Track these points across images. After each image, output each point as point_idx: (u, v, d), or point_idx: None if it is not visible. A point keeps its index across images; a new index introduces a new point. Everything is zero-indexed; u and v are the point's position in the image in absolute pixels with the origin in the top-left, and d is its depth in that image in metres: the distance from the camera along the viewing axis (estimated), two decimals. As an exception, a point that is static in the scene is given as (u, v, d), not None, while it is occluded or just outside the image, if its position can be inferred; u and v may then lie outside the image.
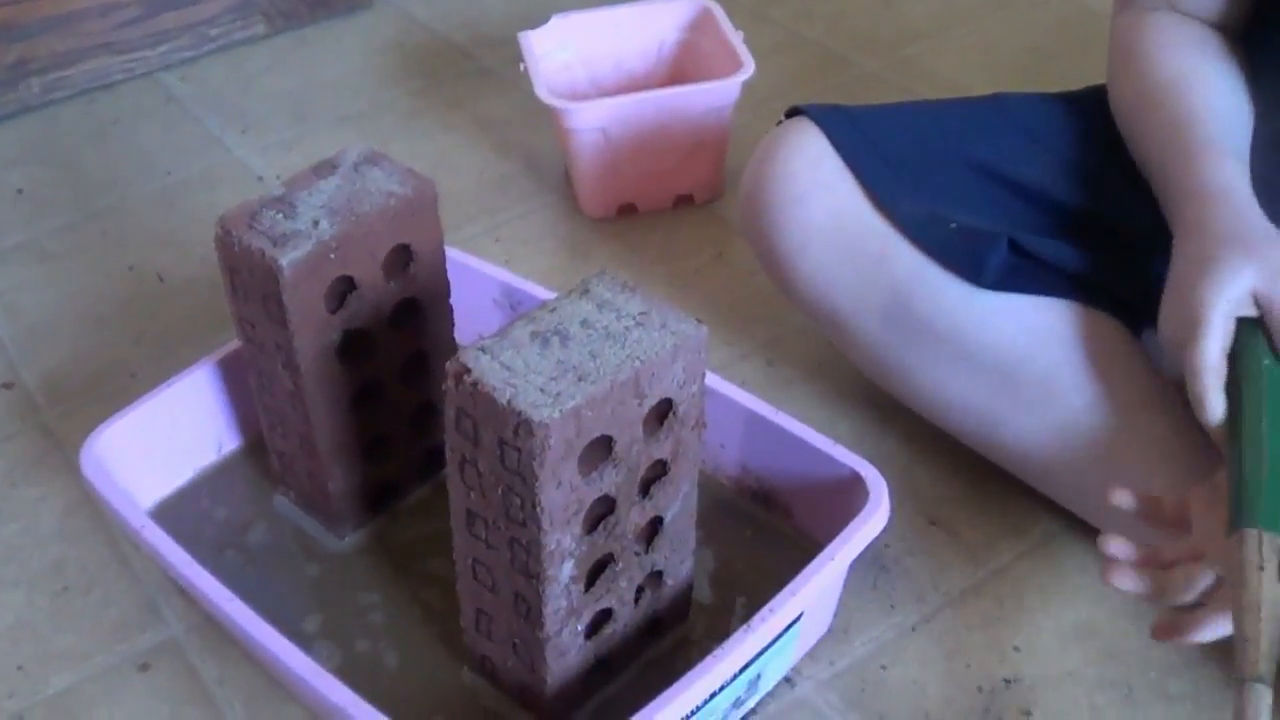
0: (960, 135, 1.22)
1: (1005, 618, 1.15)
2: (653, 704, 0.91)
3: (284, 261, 1.02)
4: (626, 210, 1.62)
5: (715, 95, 1.55)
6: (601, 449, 0.91)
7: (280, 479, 1.22)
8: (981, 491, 1.25)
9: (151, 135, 1.85)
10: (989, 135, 1.23)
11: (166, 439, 1.22)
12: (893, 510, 1.18)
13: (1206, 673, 1.10)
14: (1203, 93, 1.12)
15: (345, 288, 1.08)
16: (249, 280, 1.06)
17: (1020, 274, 1.14)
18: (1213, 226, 1.03)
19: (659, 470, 0.98)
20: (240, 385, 1.23)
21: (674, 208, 1.64)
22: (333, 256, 1.05)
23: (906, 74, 1.87)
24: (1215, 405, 0.99)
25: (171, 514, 1.21)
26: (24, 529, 1.28)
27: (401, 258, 1.11)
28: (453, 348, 1.19)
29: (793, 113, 1.24)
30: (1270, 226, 1.03)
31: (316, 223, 1.05)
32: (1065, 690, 1.09)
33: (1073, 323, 1.13)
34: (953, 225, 1.15)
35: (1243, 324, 1.01)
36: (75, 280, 1.59)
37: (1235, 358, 1.00)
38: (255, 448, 1.27)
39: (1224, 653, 1.09)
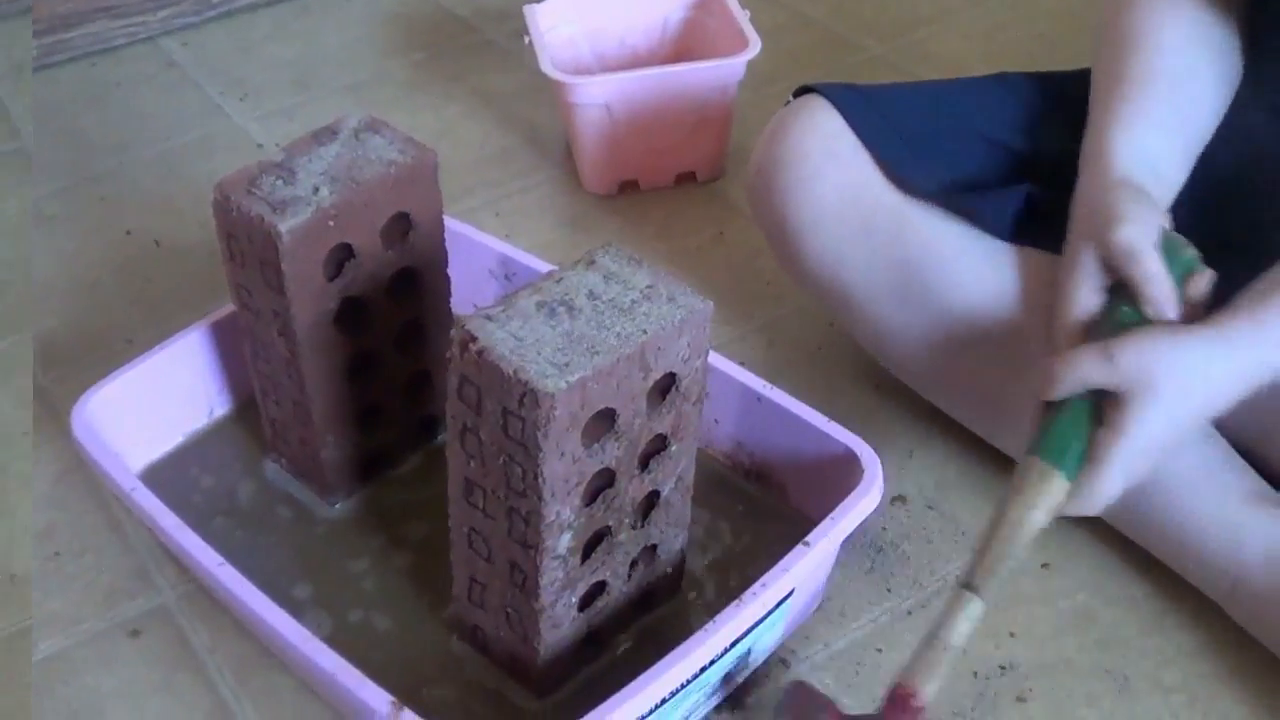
0: (970, 110, 1.21)
1: (1001, 604, 1.14)
2: (643, 677, 0.91)
3: (283, 228, 1.01)
4: (628, 187, 1.62)
5: (720, 73, 1.54)
6: (604, 421, 0.90)
7: (272, 445, 1.21)
8: (979, 476, 1.24)
9: (151, 100, 1.84)
10: (997, 110, 1.22)
11: (158, 403, 1.21)
12: (890, 493, 1.18)
13: (1201, 665, 1.09)
14: (1155, 53, 1.11)
15: (343, 255, 1.07)
16: (247, 246, 1.05)
17: (1036, 232, 1.14)
18: (1081, 203, 1.06)
19: (659, 444, 0.97)
20: (232, 350, 1.22)
21: (676, 185, 1.63)
22: (332, 224, 1.04)
23: (911, 57, 1.86)
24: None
25: (161, 478, 1.20)
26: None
27: (400, 226, 1.10)
28: (449, 317, 1.18)
29: (802, 91, 1.23)
30: (1134, 194, 1.03)
31: (316, 189, 1.04)
32: (1060, 678, 1.09)
33: None
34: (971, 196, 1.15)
35: (1112, 291, 1.02)
36: (72, 244, 1.58)
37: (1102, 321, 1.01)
38: (246, 413, 1.27)
39: (1222, 648, 1.10)
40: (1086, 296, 1.01)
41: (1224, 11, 1.14)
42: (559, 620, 0.98)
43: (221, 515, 1.18)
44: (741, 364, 1.18)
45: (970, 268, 1.14)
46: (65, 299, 1.49)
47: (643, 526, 1.01)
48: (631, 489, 0.96)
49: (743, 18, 1.59)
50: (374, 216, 1.07)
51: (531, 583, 0.94)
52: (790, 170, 1.18)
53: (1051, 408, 0.97)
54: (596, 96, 1.51)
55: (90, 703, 1.09)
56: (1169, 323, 0.97)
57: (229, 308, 1.20)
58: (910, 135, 1.18)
